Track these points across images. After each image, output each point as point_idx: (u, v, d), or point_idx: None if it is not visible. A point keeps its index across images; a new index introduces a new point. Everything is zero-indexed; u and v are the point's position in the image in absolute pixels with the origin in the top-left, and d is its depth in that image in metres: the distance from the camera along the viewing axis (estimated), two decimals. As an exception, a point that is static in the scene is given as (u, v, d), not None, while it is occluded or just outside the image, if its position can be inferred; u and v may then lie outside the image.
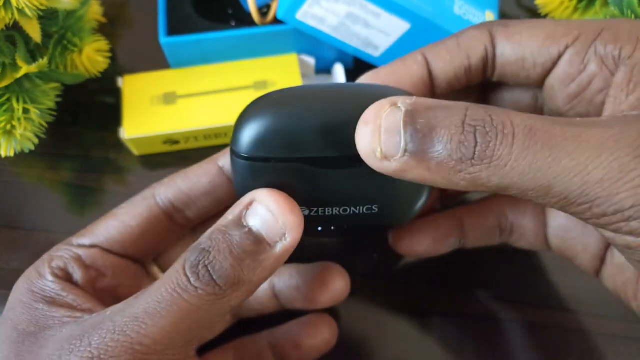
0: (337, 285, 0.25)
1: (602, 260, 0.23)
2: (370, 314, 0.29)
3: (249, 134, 0.18)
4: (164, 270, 0.25)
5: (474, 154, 0.15)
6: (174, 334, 0.17)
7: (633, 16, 0.29)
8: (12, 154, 0.30)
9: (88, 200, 0.33)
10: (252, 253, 0.18)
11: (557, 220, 0.24)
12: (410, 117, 0.16)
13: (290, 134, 0.18)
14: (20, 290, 0.20)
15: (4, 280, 0.30)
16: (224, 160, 0.23)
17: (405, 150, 0.16)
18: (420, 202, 0.21)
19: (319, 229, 0.21)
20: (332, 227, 0.21)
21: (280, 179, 0.19)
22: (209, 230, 0.19)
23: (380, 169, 0.17)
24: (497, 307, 0.29)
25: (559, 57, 0.19)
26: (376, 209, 0.20)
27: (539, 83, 0.21)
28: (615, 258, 0.23)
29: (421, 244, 0.26)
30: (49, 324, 0.19)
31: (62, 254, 0.21)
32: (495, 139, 0.15)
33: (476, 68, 0.21)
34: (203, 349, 0.26)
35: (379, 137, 0.16)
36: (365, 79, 0.21)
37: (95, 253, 0.22)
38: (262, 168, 0.19)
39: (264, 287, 0.26)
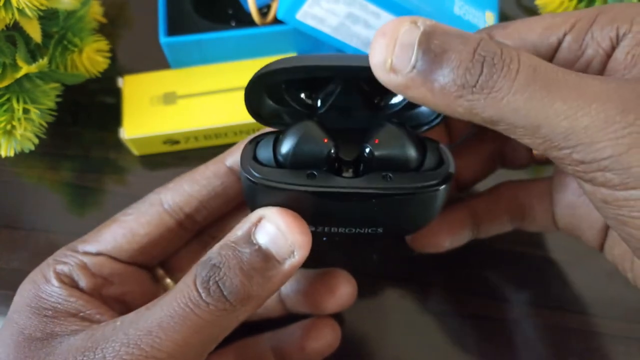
0: (344, 291, 0.25)
1: (606, 233, 0.24)
2: (370, 314, 0.29)
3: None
4: (169, 273, 0.25)
5: (477, 82, 0.16)
6: (187, 348, 0.18)
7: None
8: (12, 154, 0.30)
9: (88, 200, 0.33)
10: (261, 270, 0.18)
11: (564, 199, 0.25)
12: (426, 37, 0.16)
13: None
14: (26, 293, 0.20)
15: (4, 280, 0.30)
16: (231, 159, 0.23)
17: (414, 67, 0.16)
18: (426, 224, 0.21)
19: (324, 239, 0.21)
20: (337, 239, 0.21)
21: (289, 200, 0.19)
22: (218, 245, 0.19)
23: (387, 81, 0.17)
24: (497, 307, 0.29)
25: (559, 44, 0.19)
26: (380, 231, 0.20)
27: None
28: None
29: (438, 239, 0.26)
30: (56, 331, 0.19)
31: (67, 260, 0.21)
32: (500, 71, 0.16)
33: None
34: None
35: (393, 49, 0.16)
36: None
37: (101, 261, 0.21)
38: (271, 191, 0.19)
39: None
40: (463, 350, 0.28)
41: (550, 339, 0.28)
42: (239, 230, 0.19)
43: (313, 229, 0.20)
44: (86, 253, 0.22)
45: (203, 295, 0.18)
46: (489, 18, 0.33)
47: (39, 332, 0.19)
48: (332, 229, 0.20)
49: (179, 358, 0.18)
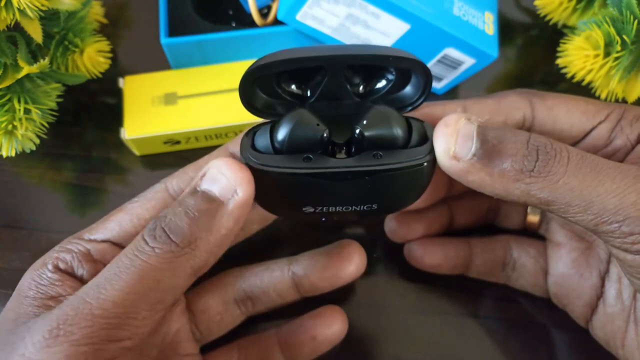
0: (358, 258, 0.26)
1: (594, 309, 0.25)
2: (370, 313, 0.29)
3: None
4: None
5: (534, 167, 0.18)
6: (134, 296, 0.18)
7: (632, 17, 0.29)
8: (13, 154, 0.30)
9: (89, 200, 0.33)
10: (206, 211, 0.19)
11: (557, 269, 0.26)
12: (483, 130, 0.19)
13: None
14: (23, 278, 0.21)
15: (5, 280, 0.30)
16: (234, 147, 0.23)
17: (474, 155, 0.19)
18: (418, 197, 0.22)
19: (323, 219, 0.22)
20: (335, 218, 0.22)
21: (288, 184, 0.20)
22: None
23: (449, 166, 0.19)
24: (497, 306, 0.29)
25: (591, 131, 0.22)
26: (376, 207, 0.21)
27: None
28: (607, 307, 0.24)
29: (432, 257, 0.28)
30: (27, 311, 0.19)
31: (71, 247, 0.21)
32: (554, 158, 0.18)
33: None
34: (207, 349, 0.26)
35: (455, 139, 0.19)
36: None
37: (105, 248, 0.22)
38: (270, 176, 0.19)
39: (282, 276, 0.26)
40: (463, 349, 0.28)
41: (550, 339, 0.28)
42: (187, 187, 0.20)
43: (312, 209, 0.21)
44: (91, 241, 0.22)
45: (149, 241, 0.18)
46: (488, 18, 0.33)
47: (13, 313, 0.19)
48: (330, 209, 0.21)
49: (127, 307, 0.17)
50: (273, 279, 0.26)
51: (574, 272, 0.26)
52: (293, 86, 0.21)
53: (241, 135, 0.21)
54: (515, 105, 0.22)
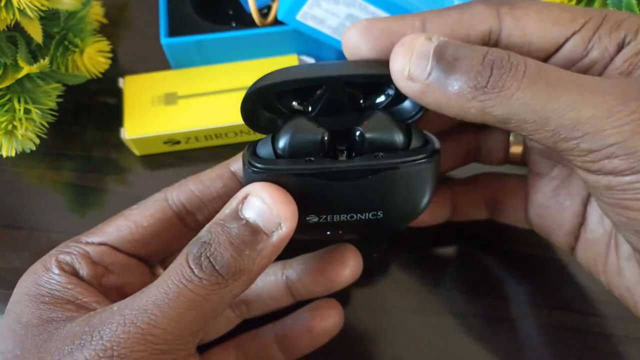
0: (354, 262, 0.26)
1: (576, 237, 0.24)
2: (370, 313, 0.29)
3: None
4: None
5: (487, 82, 0.17)
6: (182, 324, 0.18)
7: (632, 17, 0.29)
8: (13, 154, 0.30)
9: (89, 200, 0.33)
10: (251, 243, 0.19)
11: (537, 200, 0.26)
12: (440, 48, 0.18)
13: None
14: (25, 283, 0.20)
15: (4, 280, 0.30)
16: (236, 165, 0.23)
17: (430, 74, 0.18)
18: (422, 206, 0.22)
19: (328, 233, 0.22)
20: (340, 232, 0.22)
21: (290, 188, 0.20)
22: (208, 224, 0.19)
23: (405, 87, 0.19)
24: (497, 307, 0.29)
25: (565, 42, 0.20)
26: (381, 215, 0.21)
27: None
28: (588, 233, 0.24)
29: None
30: (52, 317, 0.19)
31: (69, 250, 0.21)
32: (508, 72, 0.17)
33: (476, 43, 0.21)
34: (204, 348, 0.26)
35: (410, 59, 0.18)
36: (361, 26, 0.21)
37: (103, 250, 0.22)
38: (272, 180, 0.20)
39: (277, 280, 0.26)
40: (463, 349, 0.28)
41: (550, 339, 0.28)
42: (227, 208, 0.20)
43: (316, 219, 0.21)
44: (89, 243, 0.22)
45: (195, 271, 0.18)
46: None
47: (36, 319, 0.19)
48: (335, 217, 0.21)
49: (175, 334, 0.18)
50: (267, 283, 0.26)
51: (553, 201, 0.25)
52: (294, 102, 0.22)
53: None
54: (480, 17, 0.20)
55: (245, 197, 0.19)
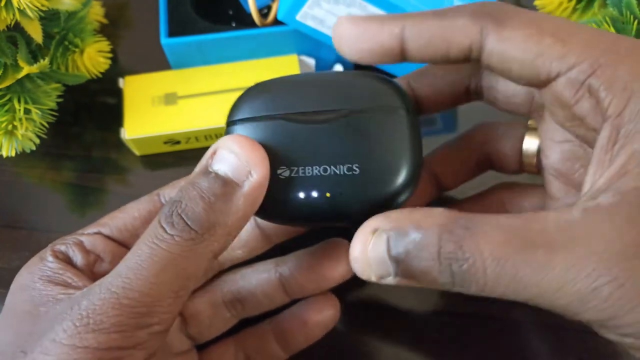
0: (347, 257, 0.25)
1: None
2: (371, 313, 0.29)
3: (237, 104, 0.21)
4: None
5: (454, 282, 0.16)
6: (159, 285, 0.18)
7: (632, 17, 0.29)
8: (13, 154, 0.30)
9: (89, 200, 0.33)
10: (222, 195, 0.19)
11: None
12: (394, 250, 0.17)
13: (271, 97, 0.21)
14: (20, 276, 0.21)
15: (5, 280, 0.30)
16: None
17: (396, 273, 0.17)
18: (403, 167, 0.20)
19: (301, 195, 0.21)
20: (314, 193, 0.21)
21: (261, 137, 0.20)
22: (179, 185, 0.20)
23: (379, 282, 0.18)
24: (496, 306, 0.29)
25: (548, 81, 0.18)
26: (357, 170, 0.20)
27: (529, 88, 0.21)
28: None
29: None
30: (43, 301, 0.19)
31: (64, 241, 0.22)
32: (469, 270, 0.16)
33: (455, 59, 0.19)
34: (203, 345, 0.26)
35: (370, 268, 0.18)
36: (342, 26, 0.20)
37: (96, 239, 0.22)
38: (244, 129, 0.20)
39: (270, 277, 0.26)
40: (463, 349, 0.28)
41: (550, 339, 0.28)
42: (197, 167, 0.20)
43: (288, 172, 0.20)
44: (83, 234, 0.22)
45: (167, 229, 0.18)
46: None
47: (28, 305, 0.19)
48: (307, 170, 0.20)
49: (152, 296, 0.17)
50: (260, 280, 0.26)
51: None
52: None
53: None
54: (462, 31, 0.18)
55: (214, 152, 0.19)
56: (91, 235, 0.22)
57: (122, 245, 0.23)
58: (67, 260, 0.21)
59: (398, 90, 0.21)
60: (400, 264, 0.17)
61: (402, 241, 0.17)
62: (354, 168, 0.20)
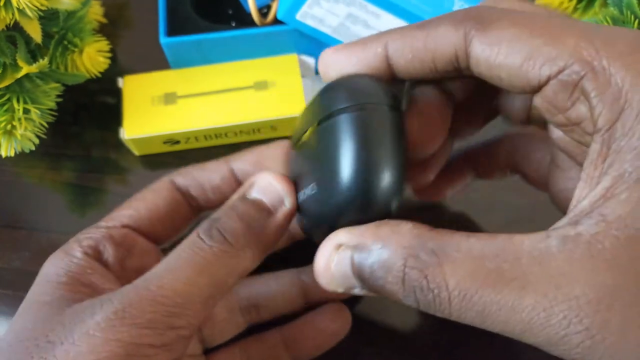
0: None
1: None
2: (373, 314, 0.29)
3: None
4: None
5: (419, 306, 0.16)
6: (193, 288, 0.18)
7: (632, 17, 0.29)
8: (12, 154, 0.30)
9: (89, 200, 0.33)
10: (257, 218, 0.20)
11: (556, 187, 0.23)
12: (357, 268, 0.17)
13: None
14: (45, 269, 0.21)
15: (5, 280, 0.30)
16: (236, 164, 0.24)
17: (363, 288, 0.17)
18: (359, 181, 0.17)
19: (294, 222, 0.22)
20: (295, 220, 0.22)
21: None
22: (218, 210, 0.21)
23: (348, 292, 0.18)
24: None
25: (540, 86, 0.16)
26: (316, 189, 0.19)
27: (522, 95, 0.20)
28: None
29: (439, 189, 0.26)
30: (67, 296, 0.19)
31: (93, 234, 0.22)
32: (434, 301, 0.15)
33: (443, 70, 0.18)
34: (209, 351, 0.26)
35: (335, 282, 0.18)
36: (327, 57, 0.19)
37: (125, 232, 0.23)
38: None
39: (292, 282, 0.26)
40: (464, 348, 0.28)
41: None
42: (236, 194, 0.22)
43: (300, 196, 0.21)
44: (111, 227, 0.23)
45: (206, 240, 0.19)
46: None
47: (49, 296, 0.19)
48: (305, 192, 0.20)
49: (185, 298, 0.18)
50: (281, 286, 0.27)
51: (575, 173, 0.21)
52: None
53: (245, 151, 0.23)
54: (446, 39, 0.17)
55: (251, 184, 0.21)
56: (119, 229, 0.23)
57: (148, 238, 0.23)
58: (97, 257, 0.21)
59: (350, 88, 0.18)
60: (365, 282, 0.17)
61: (366, 260, 0.16)
62: (314, 187, 0.19)
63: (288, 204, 0.21)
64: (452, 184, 0.27)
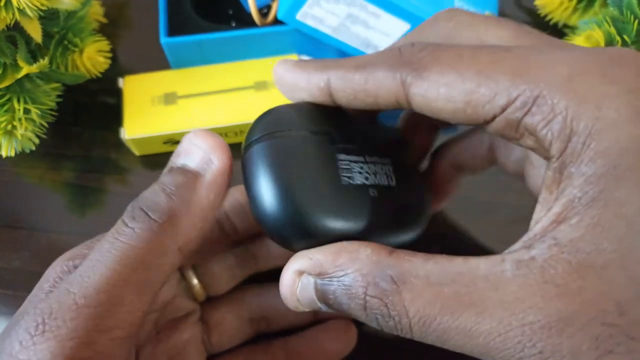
0: None
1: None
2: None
3: None
4: (199, 277, 0.25)
5: (383, 329, 0.16)
6: (117, 280, 0.16)
7: (632, 17, 0.29)
8: (12, 154, 0.30)
9: (89, 200, 0.33)
10: (183, 185, 0.18)
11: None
12: (321, 295, 0.17)
13: None
14: (44, 275, 0.19)
15: (5, 280, 0.30)
16: None
17: (328, 308, 0.17)
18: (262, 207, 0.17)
19: None
20: None
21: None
22: None
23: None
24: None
25: (487, 122, 0.16)
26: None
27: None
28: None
29: (437, 202, 0.26)
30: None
31: (88, 244, 0.20)
32: (395, 327, 0.16)
33: (388, 109, 0.18)
34: (213, 356, 0.26)
35: (301, 305, 0.18)
36: (279, 70, 0.19)
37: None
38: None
39: None
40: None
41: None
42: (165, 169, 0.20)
43: None
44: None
45: (128, 222, 0.17)
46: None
47: (48, 284, 0.18)
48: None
49: (111, 293, 0.16)
50: None
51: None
52: None
53: None
54: (384, 87, 0.17)
55: (177, 151, 0.19)
56: None
57: None
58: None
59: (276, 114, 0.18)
60: (330, 306, 0.17)
61: (329, 288, 0.17)
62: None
63: (216, 160, 0.18)
64: (446, 193, 0.26)
